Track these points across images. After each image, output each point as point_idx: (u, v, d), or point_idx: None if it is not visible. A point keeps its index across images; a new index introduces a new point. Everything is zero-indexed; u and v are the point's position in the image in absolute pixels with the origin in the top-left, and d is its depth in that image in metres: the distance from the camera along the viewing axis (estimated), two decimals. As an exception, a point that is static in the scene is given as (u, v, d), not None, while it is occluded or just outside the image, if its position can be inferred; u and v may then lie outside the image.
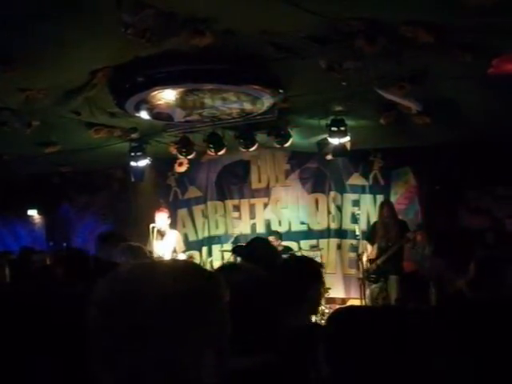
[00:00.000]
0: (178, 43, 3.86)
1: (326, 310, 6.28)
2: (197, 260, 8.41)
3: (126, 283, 1.02)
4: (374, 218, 7.63)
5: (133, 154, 6.81)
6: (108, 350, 0.97)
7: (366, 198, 8.24)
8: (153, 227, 6.74)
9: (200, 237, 8.91)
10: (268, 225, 8.59)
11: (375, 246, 7.22)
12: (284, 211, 8.59)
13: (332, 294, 7.33)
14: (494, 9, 3.13)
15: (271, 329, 1.48)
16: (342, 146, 6.13)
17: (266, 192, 8.69)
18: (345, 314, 1.23)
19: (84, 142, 6.48)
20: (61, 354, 2.07)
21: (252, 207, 8.74)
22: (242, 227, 8.63)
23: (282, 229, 8.35)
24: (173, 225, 7.56)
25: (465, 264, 2.59)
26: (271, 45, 4.02)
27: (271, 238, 7.47)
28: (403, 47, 3.88)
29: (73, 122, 5.69)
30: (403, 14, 3.46)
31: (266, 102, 5.20)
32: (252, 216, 8.72)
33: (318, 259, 7.05)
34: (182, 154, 6.77)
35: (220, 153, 6.56)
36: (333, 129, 5.84)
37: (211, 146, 6.42)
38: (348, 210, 8.34)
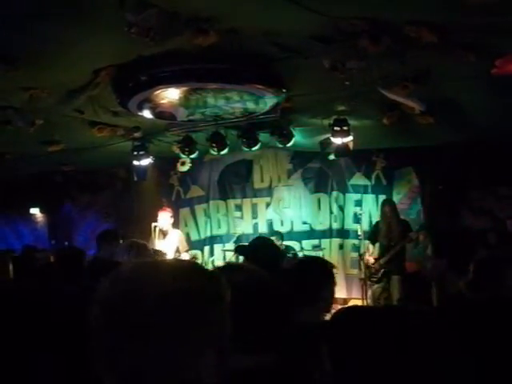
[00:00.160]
0: (182, 42, 3.86)
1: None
2: (199, 259, 8.41)
3: (127, 282, 1.02)
4: (376, 218, 7.62)
5: (135, 153, 6.81)
6: (110, 348, 0.97)
7: (369, 198, 8.24)
8: (155, 226, 6.75)
9: (202, 236, 8.92)
10: (270, 224, 8.58)
11: (377, 245, 7.22)
12: (286, 211, 8.59)
13: (334, 293, 7.31)
14: (497, 9, 3.13)
15: (273, 329, 1.48)
16: (345, 145, 6.12)
17: (269, 192, 8.69)
18: (347, 314, 1.23)
19: (87, 140, 6.49)
20: (63, 352, 2.08)
21: (254, 207, 8.74)
22: (244, 227, 8.63)
23: (284, 228, 8.35)
24: (175, 224, 7.56)
25: (466, 265, 2.59)
26: (274, 44, 4.02)
27: (273, 238, 7.49)
28: (407, 47, 3.88)
29: (76, 121, 5.70)
30: (407, 13, 3.46)
31: (269, 101, 5.20)
32: (254, 216, 8.72)
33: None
34: (184, 154, 6.78)
35: (223, 152, 6.56)
36: (335, 128, 5.83)
37: (214, 145, 6.42)
38: (350, 209, 8.34)
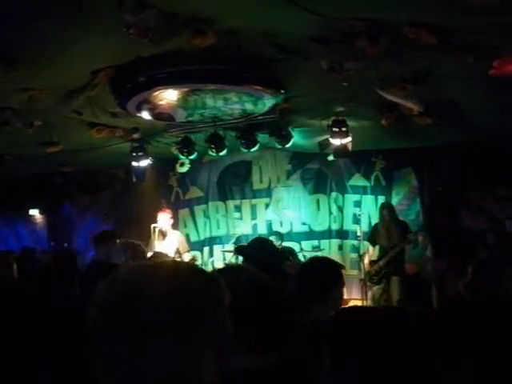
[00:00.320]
0: (180, 43, 3.86)
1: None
2: (198, 260, 8.40)
3: (126, 284, 1.02)
4: (375, 219, 7.62)
5: (134, 154, 6.81)
6: (109, 351, 0.97)
7: (368, 199, 8.24)
8: (154, 227, 6.75)
9: (201, 237, 8.91)
10: (269, 225, 8.58)
11: (377, 247, 7.22)
12: (285, 212, 8.59)
13: (333, 294, 7.31)
14: (497, 10, 3.13)
15: (274, 329, 1.48)
16: (344, 146, 6.12)
17: (268, 192, 8.69)
18: (347, 315, 1.23)
19: (86, 141, 6.49)
20: (62, 355, 2.07)
21: (253, 207, 8.74)
22: (244, 228, 8.62)
23: (284, 229, 8.34)
24: (174, 225, 7.56)
25: (466, 266, 2.59)
26: (273, 45, 4.02)
27: (273, 239, 7.49)
28: (405, 48, 3.88)
29: (75, 122, 5.69)
30: (405, 14, 3.46)
31: (268, 102, 5.20)
32: (253, 216, 8.72)
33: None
34: (183, 155, 6.77)
35: (221, 153, 6.56)
36: (334, 129, 5.83)
37: (213, 146, 6.42)
38: (349, 210, 8.33)
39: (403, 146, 7.53)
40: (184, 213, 8.95)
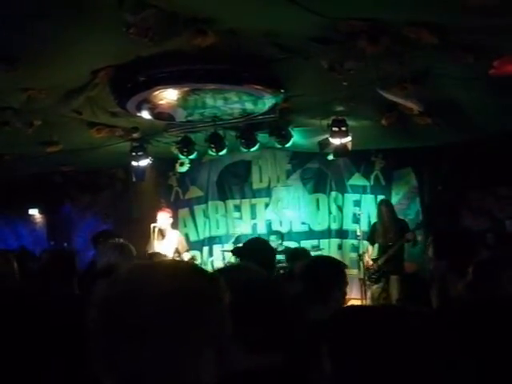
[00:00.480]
0: (180, 43, 3.86)
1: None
2: (198, 260, 8.40)
3: (125, 284, 1.02)
4: (374, 219, 7.63)
5: (134, 153, 6.80)
6: (108, 350, 0.97)
7: (367, 199, 8.24)
8: (154, 227, 6.75)
9: (201, 237, 8.91)
10: (269, 225, 8.58)
11: (376, 246, 7.23)
12: (285, 211, 8.59)
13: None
14: (497, 10, 3.13)
15: (274, 329, 1.48)
16: (344, 146, 6.12)
17: (268, 192, 8.69)
18: (347, 314, 1.23)
19: (86, 141, 6.49)
20: (62, 355, 2.07)
21: (253, 207, 8.74)
22: (243, 227, 8.62)
23: (283, 229, 8.34)
24: (174, 225, 7.56)
25: (466, 266, 2.59)
26: (273, 45, 4.02)
27: (273, 238, 7.49)
28: (405, 48, 3.88)
29: (74, 122, 5.69)
30: (406, 14, 3.46)
31: (268, 102, 5.20)
32: (253, 216, 8.72)
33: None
34: (183, 154, 6.77)
35: (221, 153, 6.56)
36: (334, 129, 5.82)
37: (212, 146, 6.42)
38: (349, 210, 8.34)
39: (403, 146, 7.53)
40: (184, 212, 8.95)
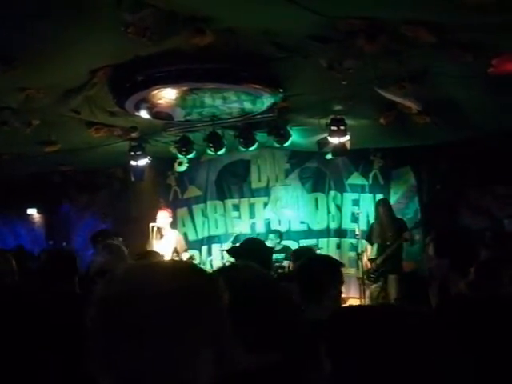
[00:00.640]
0: (179, 42, 3.86)
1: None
2: (196, 259, 8.40)
3: (123, 283, 1.02)
4: (373, 218, 7.63)
5: (133, 153, 6.80)
6: (107, 350, 0.97)
7: (366, 198, 8.25)
8: (152, 226, 6.74)
9: (200, 236, 8.90)
10: (268, 224, 8.58)
11: (374, 245, 7.23)
12: (284, 211, 8.59)
13: (332, 293, 7.32)
14: (494, 8, 3.13)
15: (273, 329, 1.48)
16: (342, 145, 6.12)
17: (266, 191, 8.69)
18: (345, 314, 1.23)
19: (84, 141, 6.48)
20: (61, 353, 2.07)
21: (252, 206, 8.73)
22: (242, 227, 8.61)
23: (282, 228, 8.34)
24: (173, 224, 7.56)
25: (467, 265, 2.60)
26: (272, 44, 4.02)
27: (272, 237, 7.50)
28: (404, 46, 3.88)
29: (73, 121, 5.68)
30: (404, 13, 3.46)
31: (266, 101, 5.20)
32: (252, 215, 8.72)
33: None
34: (181, 154, 6.77)
35: (220, 152, 6.56)
36: (333, 128, 5.83)
37: (211, 145, 6.42)
38: (348, 209, 8.34)
39: (402, 145, 7.53)
40: (182, 212, 8.94)
